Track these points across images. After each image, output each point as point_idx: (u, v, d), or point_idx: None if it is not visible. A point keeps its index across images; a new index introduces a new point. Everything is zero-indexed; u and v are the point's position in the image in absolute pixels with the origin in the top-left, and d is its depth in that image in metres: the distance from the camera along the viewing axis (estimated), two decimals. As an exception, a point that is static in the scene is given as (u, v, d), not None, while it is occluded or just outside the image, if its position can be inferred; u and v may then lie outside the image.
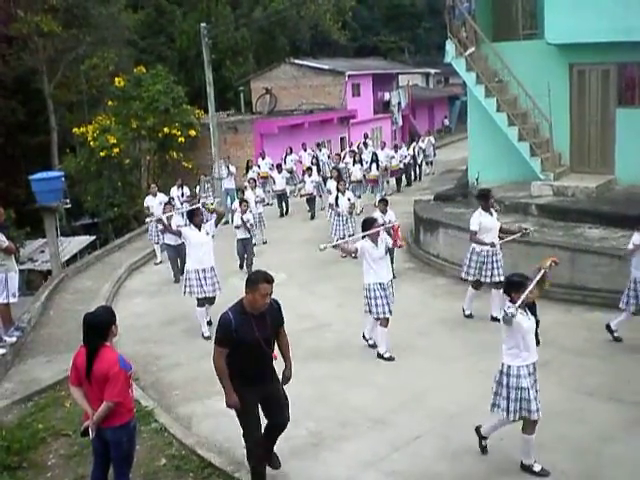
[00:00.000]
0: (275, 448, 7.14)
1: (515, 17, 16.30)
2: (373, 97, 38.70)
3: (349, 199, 15.60)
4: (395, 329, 9.82)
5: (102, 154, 27.02)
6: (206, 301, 10.93)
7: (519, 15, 16.24)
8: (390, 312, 9.48)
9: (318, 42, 48.32)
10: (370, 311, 9.53)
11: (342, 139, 34.95)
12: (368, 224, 9.47)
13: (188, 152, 29.00)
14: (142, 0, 43.50)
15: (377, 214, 12.08)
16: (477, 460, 6.86)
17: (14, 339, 10.33)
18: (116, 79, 28.83)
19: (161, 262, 16.19)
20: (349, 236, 14.17)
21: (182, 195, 18.74)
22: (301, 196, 21.31)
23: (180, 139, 28.25)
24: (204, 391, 8.96)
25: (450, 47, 16.03)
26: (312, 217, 20.54)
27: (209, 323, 10.82)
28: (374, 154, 21.88)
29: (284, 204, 21.63)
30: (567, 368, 9.02)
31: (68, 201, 18.83)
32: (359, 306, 9.90)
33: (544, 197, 14.42)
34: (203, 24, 27.50)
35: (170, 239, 13.94)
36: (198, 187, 20.91)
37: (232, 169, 22.22)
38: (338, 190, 15.64)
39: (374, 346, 9.81)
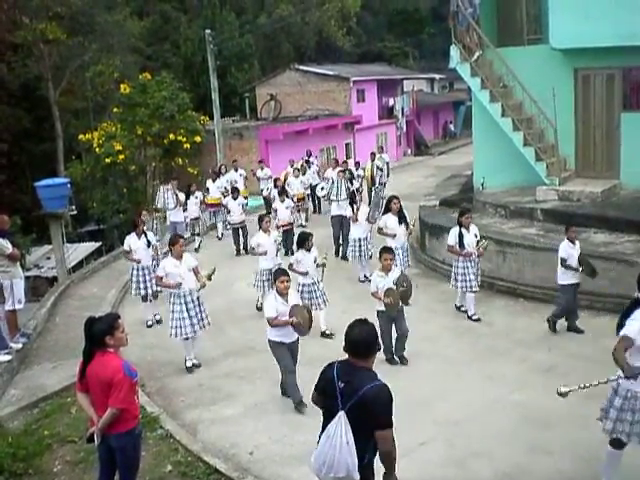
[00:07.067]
0: (279, 453, 7.16)
1: (520, 22, 16.30)
2: (378, 103, 38.70)
3: (476, 235, 11.53)
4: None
5: (108, 161, 27.08)
6: None
7: (523, 20, 16.25)
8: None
9: (323, 48, 48.46)
10: None
11: (347, 145, 34.97)
12: None
13: (193, 158, 29.04)
14: (147, 7, 43.76)
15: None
16: (483, 465, 6.85)
17: (20, 345, 10.35)
18: (121, 86, 28.91)
19: (158, 321, 12.26)
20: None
21: None
22: (278, 227, 15.59)
23: (185, 145, 28.29)
24: (210, 397, 8.98)
25: (455, 52, 16.02)
26: (286, 253, 15.56)
27: None
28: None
29: (242, 239, 17.36)
30: (573, 373, 8.98)
31: (74, 208, 18.90)
32: (364, 313, 9.85)
33: (549, 202, 14.39)
34: (208, 31, 27.76)
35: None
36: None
37: (181, 197, 17.62)
38: (460, 225, 11.37)
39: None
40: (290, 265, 10.74)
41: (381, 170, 23.04)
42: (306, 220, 20.27)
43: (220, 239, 19.44)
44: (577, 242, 10.42)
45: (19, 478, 7.08)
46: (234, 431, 7.97)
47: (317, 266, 10.93)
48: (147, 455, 7.25)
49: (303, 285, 10.88)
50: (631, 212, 13.12)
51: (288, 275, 8.63)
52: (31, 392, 9.26)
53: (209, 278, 10.00)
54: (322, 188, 19.33)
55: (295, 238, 16.02)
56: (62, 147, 33.56)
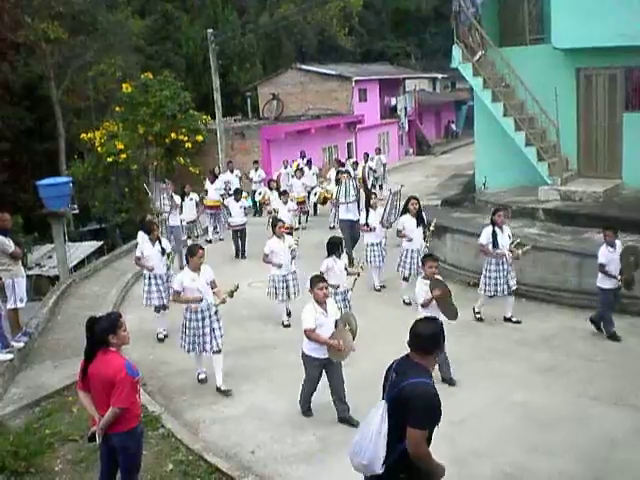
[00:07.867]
0: (280, 452, 7.14)
1: (522, 22, 16.30)
2: (380, 102, 38.71)
3: (509, 236, 11.07)
4: (402, 336, 9.77)
5: (109, 160, 27.09)
6: None
7: (526, 20, 16.24)
8: None
9: (325, 47, 48.39)
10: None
11: (349, 144, 34.95)
12: None
13: (195, 158, 29.02)
14: (149, 6, 43.69)
15: None
16: (483, 464, 6.85)
17: (21, 344, 10.34)
18: (123, 85, 28.90)
19: (166, 336, 11.52)
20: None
21: None
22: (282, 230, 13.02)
23: (187, 145, 28.29)
24: (211, 397, 8.98)
25: (457, 52, 16.02)
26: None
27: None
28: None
29: (240, 242, 16.99)
30: (574, 373, 9.00)
31: (76, 207, 18.89)
32: (366, 315, 9.86)
33: (551, 202, 14.39)
34: (210, 30, 27.70)
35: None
36: None
37: (177, 200, 16.50)
38: (494, 224, 10.89)
39: None
40: (320, 273, 9.66)
41: (374, 171, 23.05)
42: (306, 222, 20.18)
43: (217, 241, 19.16)
44: (618, 243, 10.06)
45: (20, 477, 7.08)
46: (235, 430, 7.97)
47: (349, 274, 10.22)
48: (148, 454, 7.24)
49: (336, 294, 9.96)
50: (633, 212, 13.11)
51: (326, 281, 7.99)
52: (33, 391, 9.26)
53: (231, 295, 9.09)
54: (315, 194, 19.30)
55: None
56: (64, 146, 33.51)
